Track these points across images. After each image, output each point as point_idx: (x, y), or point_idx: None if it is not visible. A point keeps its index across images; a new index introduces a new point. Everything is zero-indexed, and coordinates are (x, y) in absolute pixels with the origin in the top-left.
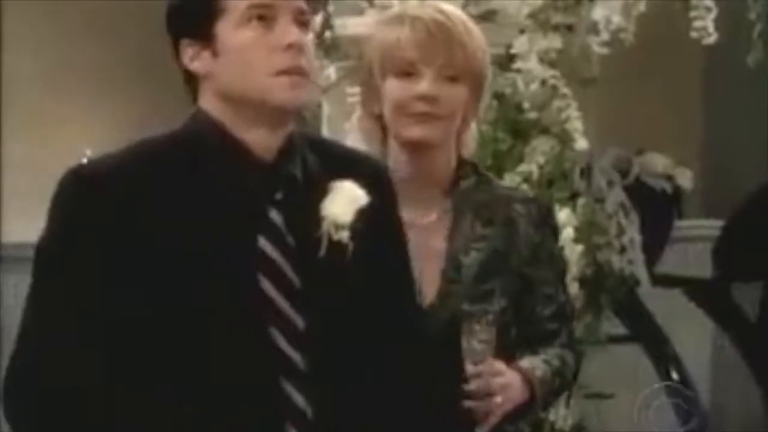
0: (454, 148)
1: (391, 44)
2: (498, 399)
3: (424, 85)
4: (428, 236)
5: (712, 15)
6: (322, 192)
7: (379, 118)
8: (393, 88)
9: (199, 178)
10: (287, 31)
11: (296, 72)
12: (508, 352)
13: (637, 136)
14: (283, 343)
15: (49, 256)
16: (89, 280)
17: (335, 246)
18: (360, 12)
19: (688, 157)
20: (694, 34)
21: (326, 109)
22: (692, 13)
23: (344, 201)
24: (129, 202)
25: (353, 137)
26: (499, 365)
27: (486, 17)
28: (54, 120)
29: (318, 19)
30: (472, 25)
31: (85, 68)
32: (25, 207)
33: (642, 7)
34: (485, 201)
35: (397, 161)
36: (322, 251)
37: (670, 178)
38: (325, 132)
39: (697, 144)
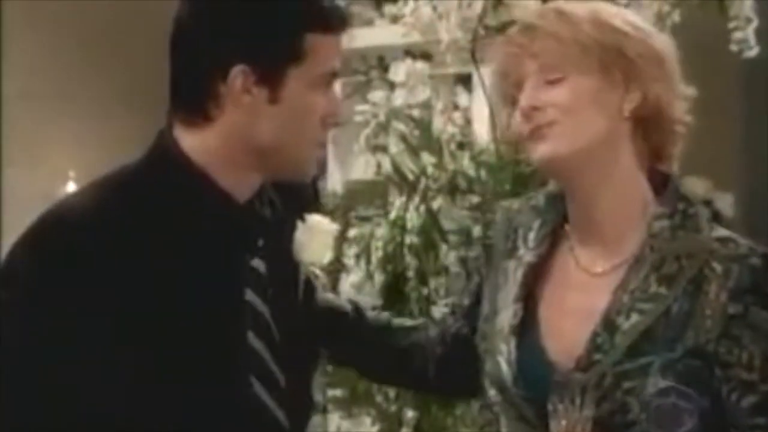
0: (621, 170)
1: (497, 84)
2: None
3: (521, 100)
4: (589, 290)
5: (753, 26)
6: (289, 229)
7: None
8: None
9: (179, 228)
10: (338, 101)
11: (325, 145)
12: None
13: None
14: (269, 402)
15: (39, 316)
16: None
17: (308, 289)
18: (369, 23)
19: (727, 181)
20: (733, 47)
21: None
22: (731, 24)
23: (319, 240)
24: (109, 258)
25: (363, 161)
26: None
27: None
28: (50, 145)
29: None
30: (578, 8)
31: (80, 95)
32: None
33: (676, 16)
34: (676, 251)
35: (568, 203)
36: (300, 297)
37: (708, 203)
38: (331, 155)
39: (738, 166)
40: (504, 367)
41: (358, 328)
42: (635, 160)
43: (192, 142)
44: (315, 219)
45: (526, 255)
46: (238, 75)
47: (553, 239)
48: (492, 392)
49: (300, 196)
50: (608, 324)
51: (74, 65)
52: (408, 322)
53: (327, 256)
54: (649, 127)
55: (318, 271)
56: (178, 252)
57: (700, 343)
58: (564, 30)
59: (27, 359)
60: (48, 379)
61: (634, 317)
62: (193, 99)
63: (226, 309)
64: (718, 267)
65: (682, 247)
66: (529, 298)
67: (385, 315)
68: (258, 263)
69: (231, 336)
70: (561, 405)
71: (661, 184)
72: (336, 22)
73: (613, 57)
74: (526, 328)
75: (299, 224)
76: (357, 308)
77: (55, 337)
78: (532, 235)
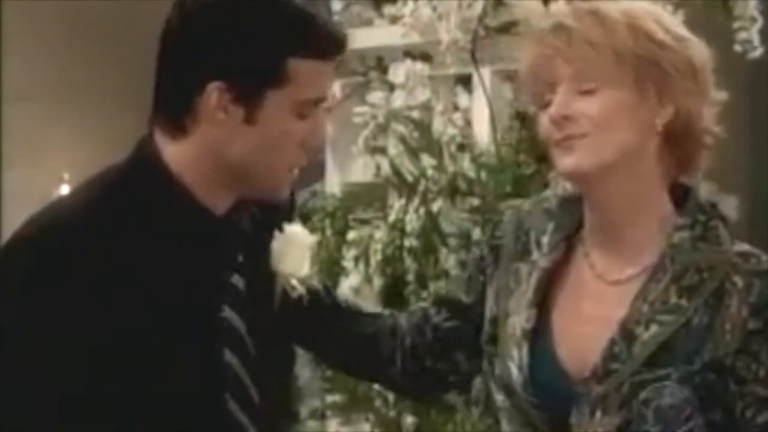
0: (644, 184)
1: (524, 83)
2: None
3: (552, 106)
4: (604, 298)
5: (758, 26)
6: (267, 239)
7: None
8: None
9: (156, 235)
10: (320, 128)
11: (302, 167)
12: None
13: None
14: (243, 419)
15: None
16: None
17: (287, 302)
18: (368, 23)
19: (731, 183)
20: (737, 48)
21: (330, 131)
22: (735, 24)
23: (297, 251)
24: (90, 274)
25: (361, 163)
26: None
27: (506, 29)
28: (48, 146)
29: None
30: (613, 9)
31: (76, 98)
32: None
33: (680, 16)
34: (697, 263)
35: (585, 210)
36: (276, 309)
37: (712, 206)
38: (329, 158)
39: (742, 169)
40: (514, 371)
41: (326, 308)
42: (660, 173)
43: (171, 151)
44: (293, 230)
45: (541, 260)
46: (213, 91)
47: (567, 244)
48: (499, 397)
49: (277, 209)
50: (626, 333)
51: (71, 67)
52: (378, 309)
53: (305, 268)
54: (677, 140)
55: (295, 282)
56: (155, 262)
57: (718, 356)
58: (599, 35)
59: (20, 359)
60: (44, 380)
61: (654, 328)
62: (172, 109)
63: (204, 326)
64: (739, 281)
65: (703, 259)
66: (542, 303)
67: (354, 301)
68: (237, 279)
69: (207, 353)
70: (584, 416)
71: (681, 195)
72: (326, 49)
73: (647, 69)
74: (539, 333)
75: (277, 234)
76: (326, 287)
77: (48, 335)
78: (545, 240)
